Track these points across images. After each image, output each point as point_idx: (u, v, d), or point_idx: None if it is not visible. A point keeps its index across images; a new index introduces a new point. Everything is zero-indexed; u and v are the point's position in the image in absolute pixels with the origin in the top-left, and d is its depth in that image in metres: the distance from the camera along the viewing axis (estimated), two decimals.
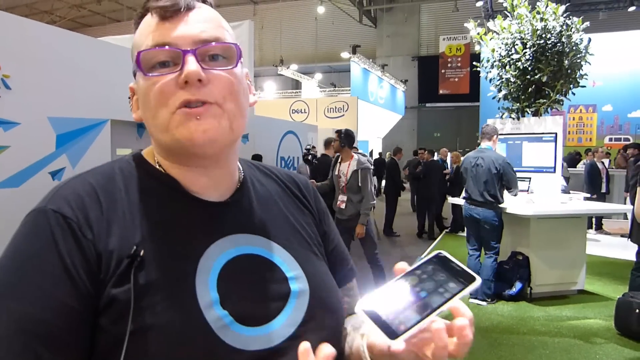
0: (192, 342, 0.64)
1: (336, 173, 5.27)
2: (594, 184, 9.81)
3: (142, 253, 0.67)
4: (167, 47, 0.69)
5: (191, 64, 0.68)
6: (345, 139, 5.21)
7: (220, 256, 0.72)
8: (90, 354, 0.65)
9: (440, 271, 0.61)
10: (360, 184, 5.03)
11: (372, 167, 5.33)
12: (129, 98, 0.79)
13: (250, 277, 0.73)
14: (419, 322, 0.55)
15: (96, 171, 0.75)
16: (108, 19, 25.74)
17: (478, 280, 0.59)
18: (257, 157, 8.35)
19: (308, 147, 8.34)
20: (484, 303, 5.22)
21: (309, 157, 7.98)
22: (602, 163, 10.13)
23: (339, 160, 5.29)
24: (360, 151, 6.07)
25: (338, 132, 5.32)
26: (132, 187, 0.74)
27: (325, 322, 0.76)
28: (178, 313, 0.65)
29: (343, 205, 5.13)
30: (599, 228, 9.77)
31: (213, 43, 0.71)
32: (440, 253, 0.63)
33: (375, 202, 5.22)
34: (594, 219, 9.64)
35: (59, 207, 0.67)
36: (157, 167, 0.77)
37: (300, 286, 0.77)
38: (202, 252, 0.71)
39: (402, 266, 0.63)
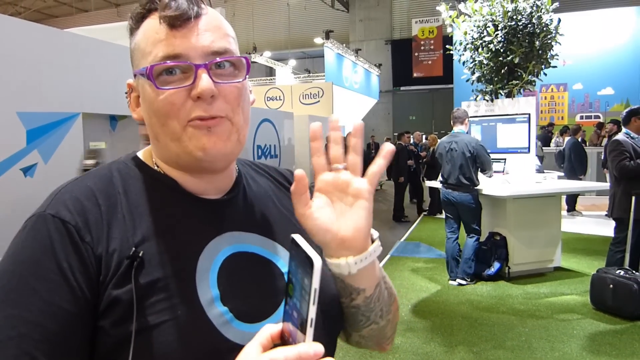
0: (195, 339, 0.65)
1: None
2: (583, 164, 9.26)
3: (141, 253, 0.67)
4: (179, 60, 0.70)
5: (204, 81, 0.69)
6: None
7: (219, 254, 0.73)
8: (91, 357, 0.65)
9: (299, 265, 0.56)
10: None
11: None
12: (126, 94, 0.80)
13: (247, 274, 0.74)
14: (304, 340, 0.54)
15: (94, 174, 0.76)
16: (75, 9, 25.04)
17: (317, 262, 0.52)
18: None
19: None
20: (464, 282, 5.30)
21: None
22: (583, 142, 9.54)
23: None
24: None
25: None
26: (130, 189, 0.75)
27: (322, 314, 0.75)
28: (180, 311, 0.66)
29: None
30: (572, 209, 9.56)
31: (221, 58, 0.72)
32: (293, 239, 0.58)
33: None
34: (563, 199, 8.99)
35: (58, 212, 0.67)
36: (156, 168, 0.78)
37: None
38: (200, 249, 0.72)
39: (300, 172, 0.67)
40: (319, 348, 0.53)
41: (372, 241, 0.72)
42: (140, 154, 0.81)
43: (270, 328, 0.58)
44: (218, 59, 0.71)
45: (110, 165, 0.79)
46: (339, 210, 0.68)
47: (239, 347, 0.63)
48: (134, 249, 0.68)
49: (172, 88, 0.70)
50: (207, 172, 0.76)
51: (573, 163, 9.17)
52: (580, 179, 8.78)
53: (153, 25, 0.72)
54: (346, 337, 0.89)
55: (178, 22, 0.70)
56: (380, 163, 0.68)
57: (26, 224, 0.69)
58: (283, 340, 0.57)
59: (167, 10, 0.70)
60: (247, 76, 0.77)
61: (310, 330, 0.53)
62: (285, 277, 0.62)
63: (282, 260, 0.79)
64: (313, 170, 0.69)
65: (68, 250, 0.65)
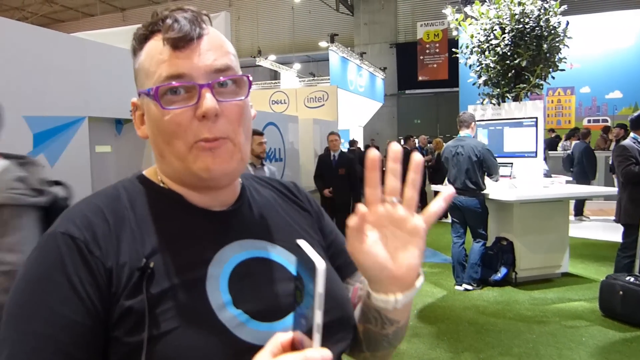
0: (208, 342, 0.67)
1: None
2: (594, 167, 9.30)
3: (152, 265, 0.70)
4: (182, 80, 0.72)
5: (208, 100, 0.71)
6: None
7: (228, 261, 0.76)
8: None
9: (304, 271, 0.57)
10: None
11: None
12: (131, 112, 0.83)
13: (260, 277, 0.77)
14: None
15: (101, 193, 0.79)
16: (81, 14, 25.19)
17: (320, 266, 0.53)
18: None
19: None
20: (470, 287, 5.25)
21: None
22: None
23: None
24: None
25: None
26: (137, 204, 0.78)
27: (333, 314, 0.78)
28: (192, 316, 0.68)
29: None
30: (580, 214, 9.48)
31: (224, 77, 0.75)
32: (298, 245, 0.59)
33: None
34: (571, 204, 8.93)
35: (67, 229, 0.70)
36: (161, 184, 0.81)
37: None
38: (210, 259, 0.74)
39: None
40: (327, 353, 0.53)
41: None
42: (145, 172, 0.84)
43: (281, 337, 0.58)
44: (221, 79, 0.74)
45: (116, 184, 0.82)
46: (391, 246, 0.69)
47: (255, 347, 0.64)
48: (144, 260, 0.70)
49: (177, 108, 0.73)
50: (212, 188, 0.79)
51: (585, 167, 9.11)
52: (590, 183, 8.72)
53: (156, 46, 0.75)
54: (355, 354, 0.89)
55: (181, 43, 0.73)
56: (440, 206, 0.68)
57: (38, 243, 0.71)
58: (294, 348, 0.58)
59: (170, 33, 0.73)
60: (249, 92, 0.79)
61: (317, 336, 0.53)
62: (293, 284, 0.62)
63: (290, 264, 0.81)
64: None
65: (77, 264, 0.67)
